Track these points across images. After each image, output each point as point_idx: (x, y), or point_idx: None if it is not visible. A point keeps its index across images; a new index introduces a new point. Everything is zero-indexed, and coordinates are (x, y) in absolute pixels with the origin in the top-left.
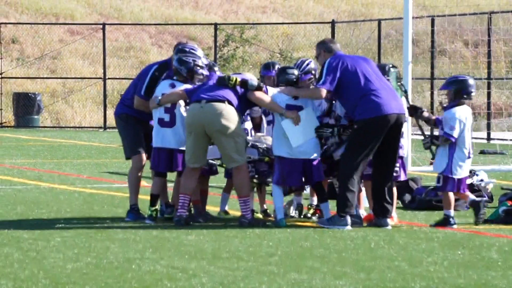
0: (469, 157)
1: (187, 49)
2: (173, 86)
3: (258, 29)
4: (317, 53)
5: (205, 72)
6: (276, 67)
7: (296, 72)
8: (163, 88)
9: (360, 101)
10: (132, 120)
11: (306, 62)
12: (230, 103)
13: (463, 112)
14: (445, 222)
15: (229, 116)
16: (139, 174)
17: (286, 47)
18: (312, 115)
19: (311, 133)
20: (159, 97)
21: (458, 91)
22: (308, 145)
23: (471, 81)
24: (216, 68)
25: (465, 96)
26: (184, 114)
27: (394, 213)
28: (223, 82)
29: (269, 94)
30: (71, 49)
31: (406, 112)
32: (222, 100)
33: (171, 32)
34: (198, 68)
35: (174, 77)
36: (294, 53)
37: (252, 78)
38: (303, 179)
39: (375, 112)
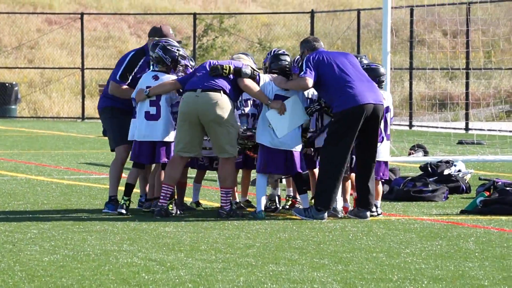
0: (381, 141)
1: (166, 43)
2: (156, 78)
3: (237, 18)
4: (301, 51)
5: (187, 62)
6: (249, 57)
7: (288, 58)
8: (146, 80)
9: (336, 94)
10: (117, 112)
11: (281, 51)
12: (225, 92)
13: None
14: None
15: (224, 105)
16: (122, 166)
17: (265, 37)
18: (298, 105)
19: (296, 122)
20: (147, 89)
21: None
22: (289, 136)
23: (382, 70)
24: (192, 63)
25: (376, 85)
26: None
27: (379, 208)
28: (217, 72)
29: (261, 82)
30: (49, 38)
31: (389, 103)
32: (217, 89)
33: (150, 21)
34: (181, 58)
35: (156, 67)
36: (273, 43)
37: (247, 65)
38: (284, 169)
39: (350, 103)
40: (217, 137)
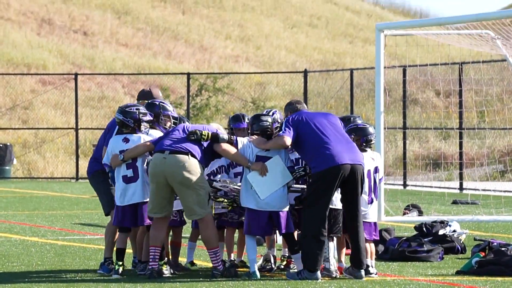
0: (370, 202)
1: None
2: (126, 140)
3: (231, 78)
4: (285, 115)
5: (149, 118)
6: (246, 118)
7: (269, 119)
8: (117, 144)
9: (314, 155)
10: (108, 176)
11: (272, 111)
12: (193, 155)
13: None
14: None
15: (192, 168)
16: (118, 229)
17: (258, 96)
18: (280, 165)
19: (279, 183)
20: (121, 154)
21: (357, 139)
22: (274, 196)
23: (370, 130)
24: (187, 123)
25: (364, 144)
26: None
27: (373, 268)
28: (195, 137)
29: (239, 145)
30: (43, 99)
31: (378, 164)
32: (185, 152)
33: (144, 81)
34: (143, 115)
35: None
36: (267, 102)
37: (222, 131)
38: (271, 229)
39: (327, 164)
40: (185, 199)
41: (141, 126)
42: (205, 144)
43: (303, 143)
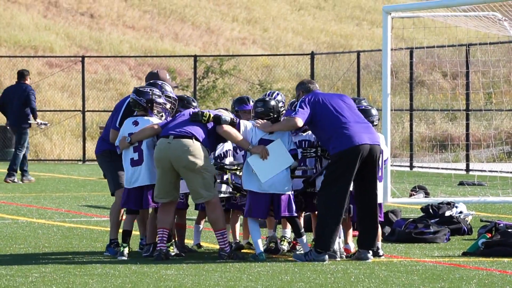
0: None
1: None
2: (136, 123)
3: (238, 60)
4: (297, 94)
5: (163, 100)
6: (251, 100)
7: (273, 102)
8: (127, 127)
9: (333, 135)
10: (116, 156)
11: (275, 93)
12: (197, 139)
13: None
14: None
15: (196, 152)
16: (125, 210)
17: (265, 79)
18: (281, 148)
19: (280, 166)
20: (129, 137)
21: None
22: (277, 179)
23: (373, 111)
24: (194, 104)
25: None
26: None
27: (381, 250)
28: (197, 118)
29: (241, 128)
30: (50, 81)
31: (382, 146)
32: (189, 136)
33: (150, 64)
34: (156, 97)
35: (135, 112)
36: (273, 85)
37: (227, 114)
38: (271, 213)
39: (346, 144)
40: (191, 183)
41: (154, 108)
42: (209, 126)
43: (320, 125)
